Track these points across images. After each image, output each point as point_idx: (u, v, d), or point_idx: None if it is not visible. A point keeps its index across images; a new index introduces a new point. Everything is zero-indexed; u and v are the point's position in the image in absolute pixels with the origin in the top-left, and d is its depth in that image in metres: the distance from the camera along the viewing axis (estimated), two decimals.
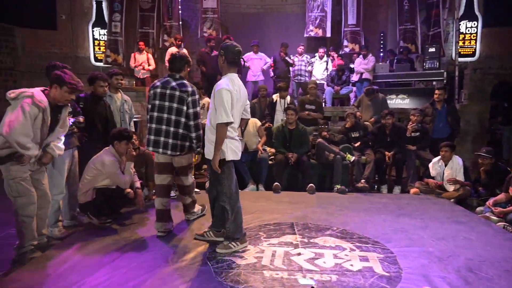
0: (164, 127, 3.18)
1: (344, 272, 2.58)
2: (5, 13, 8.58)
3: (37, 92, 2.73)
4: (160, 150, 3.20)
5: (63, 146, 3.04)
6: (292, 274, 2.55)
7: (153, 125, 3.22)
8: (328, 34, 9.29)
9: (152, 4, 9.31)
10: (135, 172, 3.96)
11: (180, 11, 9.33)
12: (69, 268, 2.60)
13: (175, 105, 3.17)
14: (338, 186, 4.95)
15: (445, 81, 7.92)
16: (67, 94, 2.81)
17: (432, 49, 8.19)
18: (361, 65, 8.03)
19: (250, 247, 3.00)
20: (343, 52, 9.27)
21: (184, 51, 7.98)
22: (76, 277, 2.48)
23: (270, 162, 5.19)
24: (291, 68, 8.12)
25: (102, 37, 10.00)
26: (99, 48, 10.07)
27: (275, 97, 6.16)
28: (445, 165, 4.75)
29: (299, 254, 2.88)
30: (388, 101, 7.76)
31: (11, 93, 2.72)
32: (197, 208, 3.80)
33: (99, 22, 9.97)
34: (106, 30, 9.40)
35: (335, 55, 8.80)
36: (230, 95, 2.73)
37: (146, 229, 3.43)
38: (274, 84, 8.07)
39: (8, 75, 9.06)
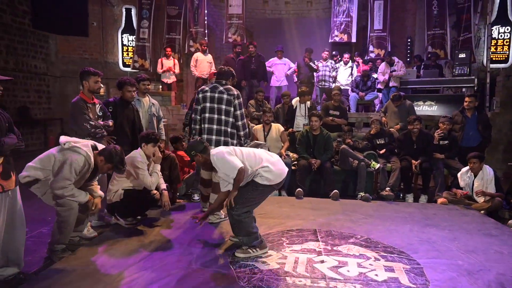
0: (215, 126, 3.67)
1: (369, 282, 2.54)
2: (40, 21, 9.00)
3: (90, 154, 2.90)
4: (212, 147, 3.28)
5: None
6: (315, 281, 2.53)
7: (206, 125, 3.70)
8: (354, 40, 9.22)
9: (179, 11, 9.54)
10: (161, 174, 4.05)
11: (206, 18, 9.50)
12: (96, 268, 2.68)
13: (223, 106, 3.65)
14: (362, 194, 4.87)
15: (475, 87, 7.67)
16: (106, 168, 3.01)
17: (462, 55, 7.95)
18: (387, 71, 7.87)
19: (273, 253, 2.99)
20: (368, 57, 9.17)
21: (210, 56, 8.13)
22: (103, 276, 2.55)
23: (293, 167, 5.17)
24: (315, 74, 8.10)
25: (130, 43, 10.34)
26: (127, 54, 10.41)
27: (295, 102, 6.15)
28: (475, 176, 4.58)
29: (322, 261, 2.85)
30: (415, 108, 7.60)
31: (67, 144, 2.87)
32: (223, 212, 3.81)
33: (128, 29, 10.32)
34: (134, 36, 9.71)
35: (360, 61, 8.71)
36: None
37: (170, 231, 3.50)
38: (297, 90, 8.06)
39: (42, 79, 9.50)
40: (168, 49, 8.64)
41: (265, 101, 6.38)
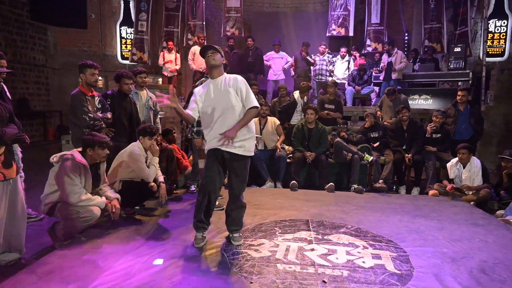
0: None
1: (356, 268, 2.65)
2: (38, 12, 9.01)
3: (76, 154, 3.04)
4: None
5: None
6: (305, 268, 2.64)
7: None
8: (351, 33, 9.27)
9: (177, 4, 9.55)
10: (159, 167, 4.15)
11: (204, 11, 9.52)
12: (96, 254, 2.79)
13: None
14: (355, 186, 4.98)
15: (470, 81, 7.75)
16: (101, 151, 3.10)
17: (457, 49, 8.02)
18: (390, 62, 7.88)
19: (265, 241, 3.10)
20: (365, 51, 9.23)
21: None
22: (102, 262, 2.66)
23: (288, 160, 5.28)
24: (312, 68, 8.16)
25: (129, 36, 10.36)
26: (126, 47, 10.43)
27: (297, 96, 6.22)
28: (464, 167, 4.69)
29: (312, 249, 2.96)
30: (411, 102, 7.67)
31: (54, 158, 3.05)
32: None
33: (126, 21, 10.33)
34: (132, 29, 9.73)
35: (357, 55, 8.76)
36: None
37: (167, 221, 3.61)
38: (294, 83, 8.13)
39: (41, 71, 9.53)
40: (170, 43, 8.65)
41: (260, 95, 6.41)
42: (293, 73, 8.29)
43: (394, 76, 7.92)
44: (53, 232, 3.06)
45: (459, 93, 5.57)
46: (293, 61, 8.11)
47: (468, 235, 3.37)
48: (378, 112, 6.34)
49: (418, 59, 8.89)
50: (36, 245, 3.06)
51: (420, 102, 7.88)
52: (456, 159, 4.81)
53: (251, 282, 2.43)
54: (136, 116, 4.35)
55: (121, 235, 3.19)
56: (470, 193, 4.61)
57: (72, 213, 2.94)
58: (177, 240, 3.11)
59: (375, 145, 5.54)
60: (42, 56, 9.55)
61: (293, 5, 11.17)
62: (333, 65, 8.25)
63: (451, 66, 8.05)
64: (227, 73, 3.05)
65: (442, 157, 5.26)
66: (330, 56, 8.25)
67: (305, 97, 6.16)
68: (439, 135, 5.38)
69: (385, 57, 8.16)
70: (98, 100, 3.85)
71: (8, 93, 3.47)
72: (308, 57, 7.83)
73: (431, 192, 4.89)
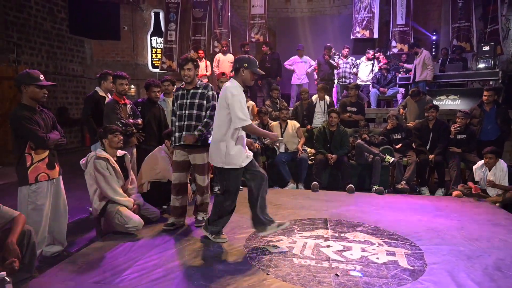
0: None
1: (369, 264, 2.76)
2: (76, 27, 9.70)
3: (98, 151, 3.40)
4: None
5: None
6: (319, 262, 2.78)
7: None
8: (376, 35, 9.24)
9: (204, 13, 9.93)
10: None
11: (229, 19, 9.83)
12: (129, 247, 3.07)
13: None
14: (376, 187, 5.03)
15: (500, 80, 7.53)
16: (114, 138, 3.39)
17: (486, 48, 7.83)
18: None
19: (284, 238, 3.27)
20: (391, 52, 9.17)
21: (231, 56, 8.47)
22: (134, 254, 2.93)
23: (309, 162, 5.40)
24: (336, 71, 8.23)
25: (158, 45, 10.86)
26: (156, 56, 10.94)
27: (315, 98, 6.34)
28: (489, 170, 4.62)
29: (328, 246, 3.09)
30: (438, 102, 7.56)
31: (82, 161, 3.49)
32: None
33: (156, 32, 10.85)
34: (162, 38, 10.19)
35: (381, 56, 8.74)
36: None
37: (191, 219, 3.84)
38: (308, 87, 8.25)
39: (78, 82, 10.22)
40: (201, 51, 8.95)
41: (281, 99, 6.54)
42: (316, 76, 8.39)
43: (424, 77, 7.70)
44: (99, 226, 3.38)
45: (485, 93, 5.47)
46: (316, 65, 8.21)
47: (487, 235, 3.37)
48: (401, 110, 6.31)
49: (447, 59, 8.71)
50: (76, 240, 3.39)
51: (448, 103, 7.74)
52: (482, 161, 4.74)
53: (268, 274, 2.60)
54: (164, 121, 4.65)
55: (150, 231, 3.46)
56: (495, 193, 4.53)
57: (115, 224, 3.27)
58: (202, 236, 3.33)
59: (398, 146, 5.55)
60: (80, 67, 10.23)
61: (317, 9, 11.28)
62: (357, 68, 8.27)
63: (480, 65, 7.85)
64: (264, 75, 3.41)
65: (467, 158, 5.20)
66: (354, 59, 8.29)
67: (326, 97, 6.27)
68: (463, 136, 5.32)
69: (408, 66, 8.00)
70: (129, 107, 4.17)
71: None
72: (331, 60, 7.91)
73: (454, 193, 4.85)
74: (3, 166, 6.76)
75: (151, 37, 10.96)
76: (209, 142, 3.33)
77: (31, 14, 8.52)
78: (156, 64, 10.75)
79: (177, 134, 3.46)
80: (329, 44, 8.12)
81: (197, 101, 3.42)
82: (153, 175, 4.04)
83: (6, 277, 1.99)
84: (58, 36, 9.40)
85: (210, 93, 3.47)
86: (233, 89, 2.93)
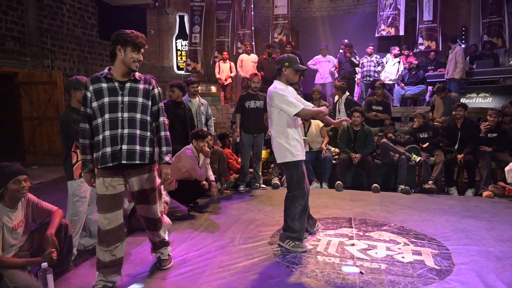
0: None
1: (394, 263, 2.75)
2: (105, 32, 10.07)
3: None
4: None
5: None
6: (344, 260, 2.80)
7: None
8: (401, 33, 9.08)
9: (227, 15, 10.08)
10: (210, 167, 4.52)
11: (252, 19, 9.92)
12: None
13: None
14: (402, 187, 4.95)
15: None
16: None
17: None
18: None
19: (307, 236, 3.29)
20: (417, 50, 8.98)
21: (254, 56, 8.54)
22: None
23: (333, 161, 5.38)
24: (360, 69, 8.14)
25: (183, 48, 11.10)
26: (181, 58, 11.19)
27: (336, 97, 6.30)
28: None
29: (352, 244, 3.10)
30: (467, 100, 7.35)
31: None
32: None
33: (181, 35, 11.10)
34: (187, 41, 10.42)
35: (408, 54, 8.57)
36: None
37: (218, 216, 3.94)
38: (330, 86, 8.20)
39: None
40: (225, 53, 9.12)
41: (302, 99, 6.51)
42: (336, 75, 8.32)
43: (451, 75, 7.47)
44: (129, 224, 3.53)
45: None
46: (336, 63, 8.15)
47: None
48: (430, 115, 6.17)
49: (476, 56, 8.42)
50: None
51: (478, 101, 7.50)
52: None
53: (292, 271, 2.64)
54: (190, 121, 4.76)
55: (178, 228, 3.57)
56: None
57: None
58: (226, 233, 3.42)
59: (425, 145, 5.44)
60: None
61: (340, 8, 11.19)
62: (382, 66, 8.15)
63: None
64: (267, 79, 3.30)
65: (499, 158, 5.02)
66: (378, 56, 8.18)
67: (344, 96, 6.25)
68: (495, 135, 5.14)
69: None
70: None
71: None
72: (353, 58, 7.84)
73: (485, 193, 4.71)
74: (39, 167, 7.12)
75: (176, 40, 11.22)
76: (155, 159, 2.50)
77: (64, 21, 8.92)
78: (181, 66, 11.00)
79: (108, 149, 2.28)
80: (346, 40, 8.06)
81: (140, 100, 2.37)
82: (180, 174, 4.16)
83: (47, 267, 2.14)
84: (89, 42, 9.79)
85: (156, 90, 2.48)
86: (275, 90, 3.02)
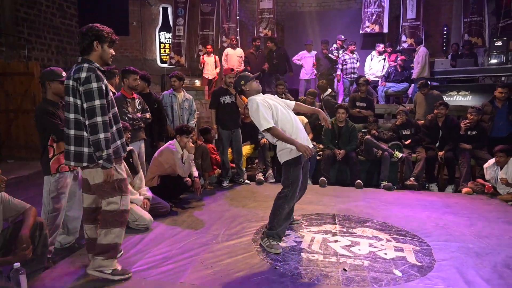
0: (66, 130, 2.38)
1: (377, 259, 2.76)
2: (85, 22, 9.75)
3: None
4: (69, 162, 2.39)
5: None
6: (327, 257, 2.79)
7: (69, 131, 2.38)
8: (385, 30, 9.14)
9: (212, 8, 9.91)
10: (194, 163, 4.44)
11: (238, 13, 9.80)
12: (138, 240, 3.11)
13: (71, 99, 2.31)
14: (385, 183, 5.01)
15: None
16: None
17: (498, 43, 7.68)
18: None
19: (291, 233, 3.28)
20: (401, 47, 9.07)
21: (240, 50, 8.45)
22: (144, 247, 2.98)
23: (318, 157, 5.39)
24: (343, 66, 8.15)
25: (167, 41, 10.88)
26: (165, 51, 10.97)
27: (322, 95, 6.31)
28: (501, 169, 4.57)
29: (336, 241, 3.10)
30: (448, 98, 7.48)
31: None
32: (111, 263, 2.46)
33: (165, 27, 10.87)
34: (170, 34, 10.21)
35: (391, 51, 8.65)
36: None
37: (201, 213, 3.88)
38: (316, 83, 8.20)
39: None
40: (209, 46, 8.96)
41: (288, 94, 6.45)
42: (315, 71, 8.31)
43: (414, 75, 7.66)
44: None
45: (499, 90, 5.39)
46: (315, 61, 8.14)
47: (497, 232, 3.34)
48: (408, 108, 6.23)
49: (457, 55, 8.59)
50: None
51: (458, 99, 7.64)
52: (493, 160, 4.68)
53: (276, 268, 2.62)
54: (158, 114, 4.63)
55: (160, 225, 3.50)
56: (506, 191, 4.48)
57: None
58: (209, 230, 3.37)
59: (407, 142, 5.51)
60: None
61: (326, 3, 11.18)
62: (359, 62, 8.24)
63: (492, 61, 7.73)
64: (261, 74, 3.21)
65: (478, 155, 5.14)
66: (357, 53, 8.27)
67: (325, 93, 6.29)
68: (474, 132, 5.25)
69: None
70: (138, 102, 4.20)
71: None
72: (330, 55, 7.88)
73: (464, 190, 4.81)
74: (15, 161, 6.88)
75: (159, 32, 10.99)
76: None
77: (41, 10, 8.59)
78: (164, 59, 10.78)
79: (118, 142, 2.47)
80: (343, 36, 8.08)
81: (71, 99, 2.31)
82: (162, 170, 4.07)
83: (20, 267, 2.04)
84: (68, 32, 9.47)
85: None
86: (251, 106, 2.99)
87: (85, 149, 2.32)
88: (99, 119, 2.25)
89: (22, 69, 7.20)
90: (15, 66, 7.29)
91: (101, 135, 2.25)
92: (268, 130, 2.88)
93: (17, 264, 2.05)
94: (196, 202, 4.26)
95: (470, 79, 8.04)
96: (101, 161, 2.28)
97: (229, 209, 4.01)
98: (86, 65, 2.30)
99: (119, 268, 2.49)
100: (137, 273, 2.54)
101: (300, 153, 2.88)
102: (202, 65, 8.83)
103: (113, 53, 2.47)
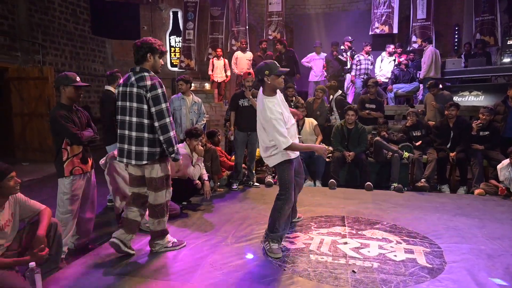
0: (126, 132, 2.72)
1: (387, 261, 2.75)
2: (98, 27, 9.97)
3: (115, 151, 3.35)
4: (124, 160, 2.78)
5: None
6: (336, 259, 2.79)
7: (118, 131, 2.81)
8: (395, 31, 9.08)
9: (221, 11, 9.99)
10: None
11: (247, 16, 9.86)
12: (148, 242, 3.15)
13: (134, 104, 2.65)
14: (395, 185, 4.97)
15: None
16: None
17: (511, 41, 7.57)
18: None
19: (300, 235, 3.29)
20: (411, 48, 9.00)
21: (249, 53, 8.50)
22: None
23: (327, 159, 5.38)
24: (358, 67, 8.10)
25: (177, 44, 11.01)
26: (175, 55, 11.09)
27: (331, 96, 6.30)
28: None
29: (345, 243, 3.10)
30: (460, 99, 7.39)
31: (102, 160, 3.64)
32: (167, 240, 3.01)
33: (175, 31, 11.00)
34: (180, 37, 10.33)
35: (400, 52, 8.59)
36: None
37: (210, 215, 3.92)
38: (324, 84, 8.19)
39: (100, 81, 10.46)
40: (219, 50, 9.01)
41: (298, 97, 6.45)
42: (326, 74, 8.30)
43: (421, 75, 7.57)
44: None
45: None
46: (325, 63, 8.14)
47: (510, 234, 3.29)
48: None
49: (470, 54, 8.47)
50: (99, 234, 3.51)
51: (471, 99, 7.53)
52: (507, 160, 4.61)
53: (285, 270, 2.63)
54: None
55: (170, 226, 3.53)
56: None
57: None
58: (219, 232, 3.40)
59: (417, 144, 5.46)
60: (101, 67, 10.49)
61: (335, 5, 11.17)
62: (373, 64, 8.19)
63: (505, 60, 7.61)
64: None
65: (490, 156, 5.07)
66: (371, 55, 8.22)
67: (336, 94, 6.26)
68: (486, 133, 5.18)
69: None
70: None
71: None
72: (340, 56, 7.86)
73: (477, 191, 4.74)
74: (29, 164, 7.04)
75: (169, 36, 11.13)
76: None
77: (55, 16, 8.79)
78: (174, 63, 10.91)
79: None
80: (350, 37, 8.05)
81: (134, 105, 2.67)
82: (172, 173, 4.11)
83: (35, 267, 2.10)
84: (81, 37, 9.67)
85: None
86: (263, 106, 2.83)
87: (145, 149, 2.69)
88: (167, 120, 2.66)
89: (37, 73, 7.38)
90: (29, 71, 7.48)
91: (171, 133, 2.68)
92: (287, 147, 2.79)
93: (32, 264, 2.11)
94: (206, 205, 4.30)
95: (482, 79, 7.93)
96: (173, 155, 2.73)
97: (239, 211, 4.04)
98: (146, 74, 2.66)
99: (175, 240, 3.05)
100: (148, 273, 2.58)
101: (290, 153, 2.91)
102: (212, 68, 8.87)
103: (163, 63, 2.82)
